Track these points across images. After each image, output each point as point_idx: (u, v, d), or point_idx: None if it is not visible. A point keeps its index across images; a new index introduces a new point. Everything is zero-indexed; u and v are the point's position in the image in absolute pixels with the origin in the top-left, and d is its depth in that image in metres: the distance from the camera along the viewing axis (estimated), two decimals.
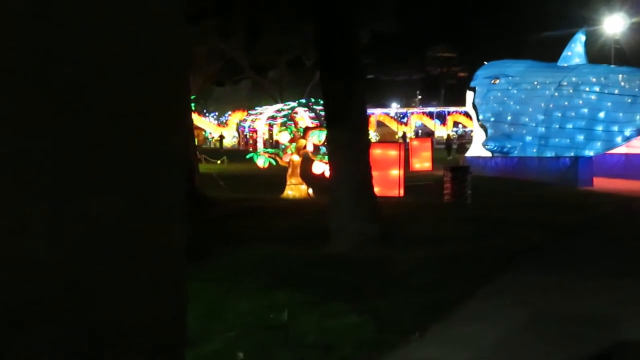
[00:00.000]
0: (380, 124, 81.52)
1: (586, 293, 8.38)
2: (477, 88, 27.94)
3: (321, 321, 6.84)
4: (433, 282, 8.63)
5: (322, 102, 14.24)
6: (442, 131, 75.79)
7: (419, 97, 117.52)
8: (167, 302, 1.81)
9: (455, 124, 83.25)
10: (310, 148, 19.37)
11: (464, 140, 44.58)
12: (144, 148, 1.72)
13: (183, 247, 1.86)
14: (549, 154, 24.18)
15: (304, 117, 27.33)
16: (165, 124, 1.78)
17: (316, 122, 32.31)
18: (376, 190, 12.41)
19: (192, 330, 5.73)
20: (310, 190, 19.22)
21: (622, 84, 23.58)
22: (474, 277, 9.03)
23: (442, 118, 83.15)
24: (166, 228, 1.79)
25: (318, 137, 19.27)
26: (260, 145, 53.62)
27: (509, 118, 25.93)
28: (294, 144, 19.85)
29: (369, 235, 11.10)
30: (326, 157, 16.13)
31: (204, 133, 76.24)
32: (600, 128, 23.20)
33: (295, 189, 19.20)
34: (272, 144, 49.64)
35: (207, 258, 9.64)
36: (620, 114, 22.87)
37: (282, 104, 47.74)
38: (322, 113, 19.12)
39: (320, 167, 19.10)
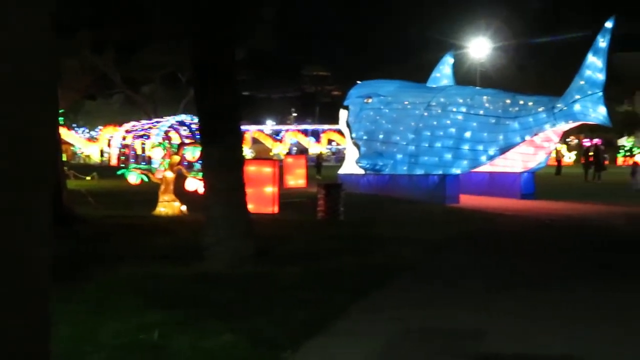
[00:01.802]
0: (255, 141, 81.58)
1: (458, 307, 8.65)
2: (350, 107, 28.45)
3: (195, 341, 6.73)
4: (309, 299, 8.67)
5: (196, 118, 14.10)
6: (317, 148, 76.72)
7: (294, 114, 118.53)
8: (29, 321, 1.73)
9: (330, 141, 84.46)
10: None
11: (323, 160, 45.12)
12: (7, 164, 1.64)
13: (48, 265, 1.78)
14: (419, 171, 24.92)
15: (177, 133, 26.95)
16: (30, 138, 1.71)
17: (190, 138, 31.90)
18: (250, 207, 12.38)
19: (59, 352, 5.50)
20: (184, 208, 18.94)
21: (487, 105, 24.65)
22: (348, 293, 9.14)
23: (316, 135, 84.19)
24: (30, 245, 1.72)
25: (192, 153, 19.04)
26: (131, 160, 52.43)
27: (381, 136, 26.54)
28: (167, 160, 19.52)
29: (244, 252, 11.05)
30: (200, 173, 15.96)
31: (72, 148, 73.76)
32: (466, 147, 24.13)
33: (168, 205, 18.85)
34: (144, 159, 48.63)
35: (76, 278, 9.29)
36: (485, 134, 23.89)
37: (156, 120, 47.00)
38: (197, 129, 18.94)
39: (194, 184, 18.86)
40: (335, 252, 12.25)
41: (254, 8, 21.74)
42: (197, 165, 22.58)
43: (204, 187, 11.99)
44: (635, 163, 37.21)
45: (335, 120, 34.13)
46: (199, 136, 12.58)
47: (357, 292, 9.23)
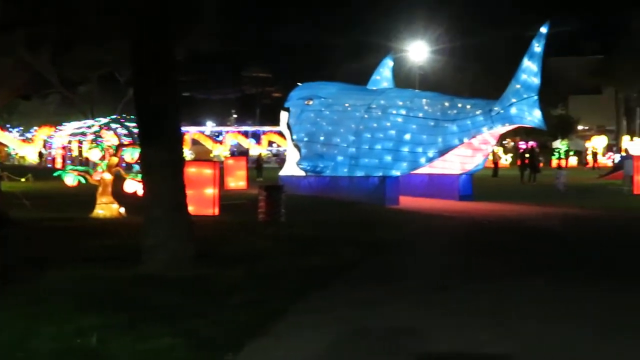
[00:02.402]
0: (195, 142, 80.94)
1: (398, 307, 8.74)
2: (291, 108, 28.43)
3: (133, 344, 6.65)
4: (250, 300, 8.66)
5: (135, 118, 13.91)
6: (258, 150, 76.50)
7: (235, 116, 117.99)
8: None
9: (270, 143, 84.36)
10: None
11: (263, 161, 44.81)
12: None
13: None
14: (359, 173, 25.06)
15: (116, 134, 26.49)
16: None
17: (129, 139, 31.45)
18: (191, 209, 12.27)
19: None
20: (122, 210, 18.67)
21: (426, 108, 24.92)
22: (290, 294, 9.16)
23: (257, 137, 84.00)
24: None
25: (131, 154, 18.78)
26: (68, 162, 51.40)
27: (321, 138, 26.61)
28: (105, 162, 19.21)
29: (184, 254, 10.95)
30: (139, 175, 15.75)
31: (6, 149, 71.97)
32: (406, 149, 24.36)
33: (107, 208, 18.56)
34: (81, 161, 47.69)
35: (10, 282, 9.07)
36: (424, 137, 24.15)
37: (93, 120, 46.14)
38: (136, 130, 18.68)
39: (133, 186, 18.61)
40: (276, 254, 12.26)
41: (193, 8, 21.56)
42: (136, 167, 22.29)
43: (143, 189, 11.84)
44: (559, 165, 38.80)
45: (276, 121, 34.14)
46: (138, 137, 12.40)
47: (299, 293, 9.25)
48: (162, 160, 11.22)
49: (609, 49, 77.24)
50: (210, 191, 19.26)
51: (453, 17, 65.52)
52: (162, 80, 11.34)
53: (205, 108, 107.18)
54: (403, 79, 52.19)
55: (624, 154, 52.77)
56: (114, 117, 43.28)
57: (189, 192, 12.02)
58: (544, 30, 22.39)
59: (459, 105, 24.35)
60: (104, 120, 42.44)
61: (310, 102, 27.94)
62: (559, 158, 65.45)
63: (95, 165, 21.12)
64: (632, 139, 53.11)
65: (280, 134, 56.94)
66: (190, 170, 18.37)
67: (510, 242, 15.15)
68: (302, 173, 26.76)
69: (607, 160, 66.25)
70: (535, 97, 22.24)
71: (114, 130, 39.92)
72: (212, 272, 10.38)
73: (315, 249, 12.93)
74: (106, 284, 9.41)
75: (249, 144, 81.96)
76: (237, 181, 32.51)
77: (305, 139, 27.13)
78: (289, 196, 18.88)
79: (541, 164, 44.05)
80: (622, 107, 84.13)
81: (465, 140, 23.60)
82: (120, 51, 23.17)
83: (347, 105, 26.92)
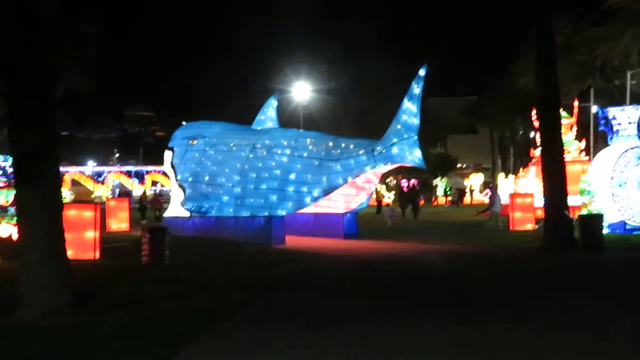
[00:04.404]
0: (75, 183, 78.47)
1: (282, 349, 8.70)
2: (175, 148, 28.08)
3: None
4: (128, 348, 8.39)
5: (11, 159, 13.36)
6: (141, 190, 74.97)
7: (117, 155, 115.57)
8: None
9: (154, 183, 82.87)
10: None
11: (147, 201, 43.55)
12: None
13: None
14: (245, 213, 24.94)
15: None
16: None
17: (4, 181, 30.17)
18: (70, 253, 11.82)
19: None
20: None
21: (311, 147, 25.19)
22: (175, 338, 8.96)
23: (140, 177, 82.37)
24: None
25: (6, 197, 18.00)
26: None
27: (206, 178, 26.36)
28: None
29: (61, 301, 10.51)
30: (15, 218, 15.09)
31: None
32: (291, 189, 24.47)
33: None
34: None
35: None
36: (309, 176, 24.36)
37: None
38: (11, 171, 17.96)
39: (8, 230, 17.80)
40: (159, 298, 11.99)
41: (72, 47, 21.10)
42: (12, 210, 21.34)
43: (19, 232, 11.33)
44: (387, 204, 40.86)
45: (159, 161, 33.54)
46: (13, 178, 11.89)
47: (181, 338, 9.05)
48: (38, 202, 10.80)
49: (483, 90, 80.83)
50: (91, 234, 18.67)
51: (336, 58, 67.01)
52: (38, 120, 10.95)
53: (86, 147, 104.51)
54: (288, 118, 52.76)
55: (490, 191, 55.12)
56: None
57: (67, 235, 11.58)
58: (422, 72, 23.16)
59: (343, 145, 24.75)
60: None
61: (195, 142, 27.70)
62: (445, 195, 67.62)
63: None
64: (506, 177, 55.42)
65: (164, 173, 56.09)
66: (70, 213, 17.78)
67: (393, 280, 15.42)
68: (187, 214, 26.39)
69: (484, 197, 68.84)
70: (416, 137, 22.90)
71: None
72: (90, 319, 10.02)
73: (200, 292, 12.73)
74: None
75: (131, 184, 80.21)
76: (120, 223, 31.67)
77: (190, 179, 26.82)
78: (173, 237, 18.56)
79: (421, 202, 45.29)
80: (496, 146, 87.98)
81: (349, 179, 23.96)
82: None
83: (232, 145, 26.85)
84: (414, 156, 22.96)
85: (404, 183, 63.14)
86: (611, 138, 26.16)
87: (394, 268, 17.58)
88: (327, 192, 24.19)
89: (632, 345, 8.84)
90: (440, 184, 71.94)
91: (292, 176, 24.50)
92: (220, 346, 8.83)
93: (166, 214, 28.70)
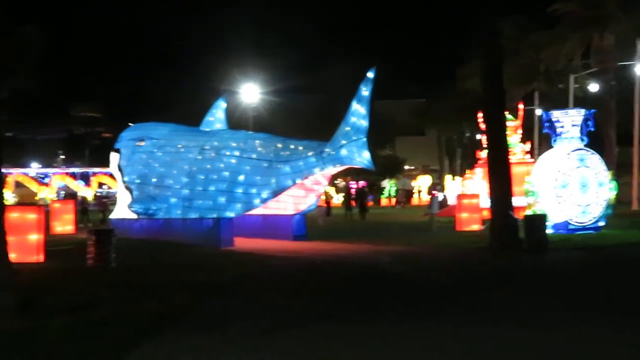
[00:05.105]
0: (18, 185, 76.84)
1: (233, 351, 8.66)
2: (122, 149, 27.73)
3: None
4: (82, 351, 8.27)
5: None
6: (87, 192, 73.80)
7: (62, 157, 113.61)
8: None
9: (101, 185, 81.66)
10: None
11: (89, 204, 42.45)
12: None
13: None
14: (193, 215, 24.75)
15: None
16: None
17: None
18: (12, 256, 11.58)
19: None
20: None
21: (260, 149, 25.12)
22: (122, 343, 8.84)
23: (86, 179, 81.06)
24: None
25: None
26: None
27: (154, 180, 26.09)
28: None
29: (3, 305, 10.29)
30: None
31: None
32: (240, 190, 24.37)
33: None
34: None
35: None
36: (258, 178, 24.29)
37: None
38: None
39: None
40: (105, 301, 11.80)
41: (16, 47, 20.68)
42: None
43: None
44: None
45: (106, 163, 33.04)
46: None
47: (127, 343, 8.93)
48: None
49: (430, 92, 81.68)
50: (35, 237, 18.32)
51: (284, 59, 67.04)
52: None
53: (30, 148, 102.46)
54: (237, 120, 52.53)
55: (438, 192, 55.66)
56: None
57: (10, 238, 11.36)
58: (370, 74, 23.32)
59: (292, 146, 24.77)
60: None
61: (142, 143, 27.40)
62: (389, 197, 68.10)
63: None
64: (453, 178, 56.15)
65: (111, 175, 55.29)
66: (12, 215, 17.44)
67: (343, 281, 15.48)
68: (134, 216, 26.07)
69: (437, 199, 69.50)
70: (364, 139, 23.05)
71: None
72: (34, 323, 9.81)
73: (147, 295, 12.58)
74: None
75: (77, 186, 78.88)
76: (65, 225, 31.12)
77: (137, 180, 26.52)
78: (120, 240, 18.32)
79: (370, 203, 45.57)
80: (444, 147, 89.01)
81: (298, 181, 23.99)
82: None
83: (179, 146, 26.63)
84: (363, 158, 23.10)
85: (353, 185, 63.49)
86: (555, 140, 26.70)
87: (344, 269, 17.66)
88: (276, 193, 24.17)
89: (571, 339, 9.02)
90: (388, 185, 72.50)
91: (241, 178, 24.40)
92: (167, 350, 8.75)
93: (113, 216, 28.32)
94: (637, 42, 44.27)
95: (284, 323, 10.38)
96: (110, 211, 32.33)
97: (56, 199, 60.36)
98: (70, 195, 69.28)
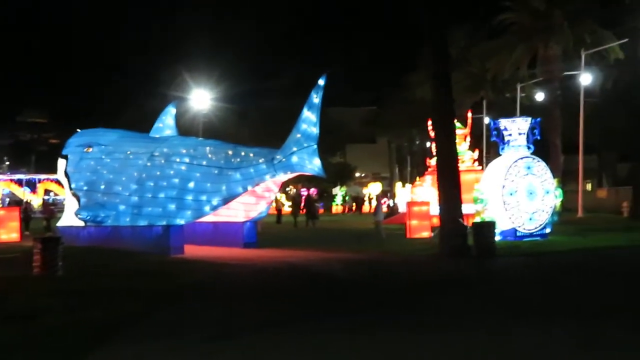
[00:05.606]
0: None
1: (185, 358, 8.58)
2: (69, 156, 27.28)
3: None
4: None
5: None
6: (35, 199, 72.36)
7: (7, 163, 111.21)
8: None
9: (47, 191, 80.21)
10: None
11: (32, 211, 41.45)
12: None
13: None
14: (143, 222, 24.46)
15: None
16: None
17: None
18: None
19: None
20: None
21: (210, 156, 24.97)
22: (70, 352, 8.71)
23: (32, 186, 79.54)
24: None
25: None
26: None
27: (102, 187, 25.74)
28: None
29: None
30: None
31: None
32: (190, 197, 24.18)
33: None
34: None
35: None
36: (209, 184, 24.14)
37: None
38: None
39: None
40: (52, 310, 11.59)
41: None
42: None
43: None
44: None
45: (53, 169, 32.48)
46: None
47: (75, 352, 8.80)
48: None
49: (381, 100, 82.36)
50: None
51: (235, 66, 66.89)
52: None
53: None
54: (187, 127, 52.14)
55: (388, 199, 56.02)
56: None
57: None
58: (321, 82, 23.40)
59: (242, 153, 24.69)
60: None
61: (90, 150, 27.02)
62: (342, 204, 68.45)
63: None
64: (404, 186, 56.69)
65: (58, 182, 54.37)
66: None
67: (296, 289, 15.48)
68: (82, 223, 25.68)
69: (382, 206, 70.09)
70: (315, 146, 23.10)
71: None
72: None
73: (96, 304, 12.40)
74: None
75: (23, 192, 77.33)
76: (9, 233, 30.47)
77: (85, 187, 26.13)
78: (67, 247, 18.02)
79: (321, 210, 45.65)
80: (394, 155, 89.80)
81: (249, 187, 23.92)
82: None
83: (128, 152, 26.33)
84: (314, 165, 23.15)
85: (304, 192, 63.56)
86: (502, 148, 27.14)
87: (295, 276, 17.67)
88: (226, 200, 24.05)
89: (517, 341, 9.19)
90: (339, 192, 72.78)
91: (191, 185, 24.23)
92: (124, 357, 8.64)
93: (59, 224, 27.84)
94: (582, 52, 45.34)
95: (231, 331, 10.34)
96: (58, 219, 31.76)
97: (0, 206, 59.13)
98: (16, 202, 67.85)
